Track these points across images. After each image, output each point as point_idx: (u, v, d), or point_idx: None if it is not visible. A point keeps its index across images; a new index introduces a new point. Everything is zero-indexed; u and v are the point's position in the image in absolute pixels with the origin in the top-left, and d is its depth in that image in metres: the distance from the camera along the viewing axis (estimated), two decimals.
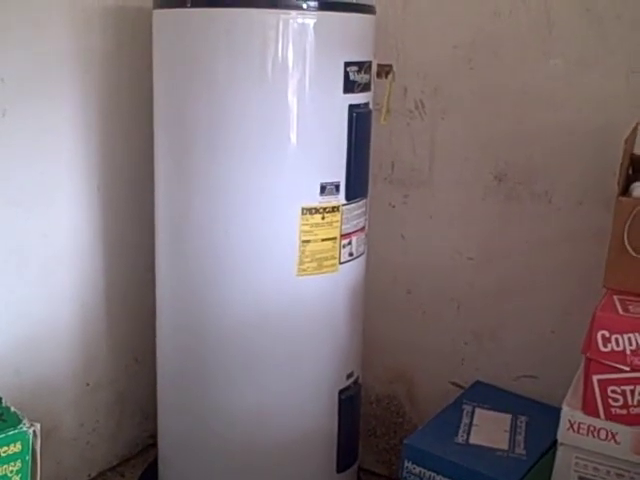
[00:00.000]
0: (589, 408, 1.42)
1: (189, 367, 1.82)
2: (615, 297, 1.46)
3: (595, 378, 1.40)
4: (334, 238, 1.71)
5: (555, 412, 1.47)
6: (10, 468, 1.17)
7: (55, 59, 1.81)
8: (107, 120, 1.97)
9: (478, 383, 2.01)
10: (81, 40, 1.85)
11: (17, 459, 1.18)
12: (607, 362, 1.38)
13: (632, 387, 1.37)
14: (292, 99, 1.61)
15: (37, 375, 1.94)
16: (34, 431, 1.19)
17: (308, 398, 1.81)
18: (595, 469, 1.43)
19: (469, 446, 1.71)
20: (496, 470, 1.62)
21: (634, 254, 1.42)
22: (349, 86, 1.65)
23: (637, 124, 1.59)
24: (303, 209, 1.66)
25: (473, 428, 1.78)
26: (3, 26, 1.69)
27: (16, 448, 1.17)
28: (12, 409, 1.24)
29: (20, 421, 1.20)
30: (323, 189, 1.67)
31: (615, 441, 1.40)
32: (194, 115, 1.65)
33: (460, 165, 1.96)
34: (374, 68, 1.74)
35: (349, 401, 1.87)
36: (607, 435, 1.41)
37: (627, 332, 1.36)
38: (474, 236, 1.99)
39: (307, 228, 1.67)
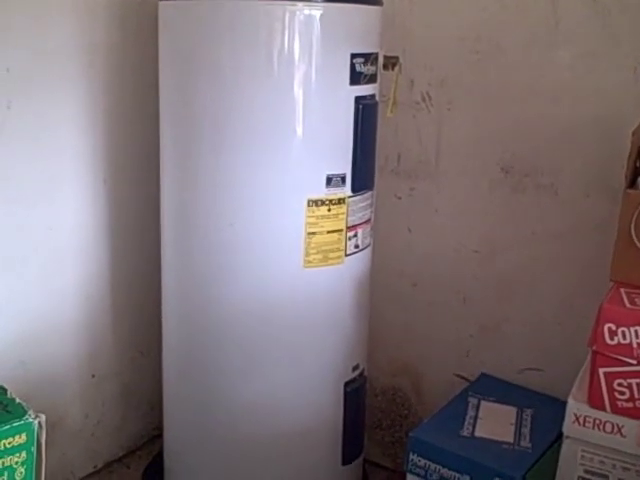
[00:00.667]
0: (595, 401, 1.41)
1: (194, 359, 1.82)
2: (622, 290, 1.45)
3: (601, 371, 1.39)
4: (340, 230, 1.71)
5: (561, 405, 1.47)
6: (15, 459, 1.17)
7: (59, 52, 1.81)
8: (113, 113, 1.97)
9: (483, 376, 2.01)
10: (85, 33, 1.85)
11: (22, 450, 1.17)
12: (613, 355, 1.37)
13: (638, 380, 1.37)
14: (298, 91, 1.61)
15: (42, 367, 1.94)
16: (39, 422, 1.19)
17: (313, 390, 1.81)
18: (601, 462, 1.42)
19: (474, 439, 1.71)
20: (501, 463, 1.62)
21: None
22: (355, 78, 1.64)
23: None
24: (309, 201, 1.65)
25: (478, 421, 1.78)
26: (7, 18, 1.68)
27: (21, 439, 1.17)
28: (17, 400, 1.24)
29: (25, 412, 1.20)
30: (329, 181, 1.66)
31: (621, 434, 1.40)
32: (200, 108, 1.65)
33: (466, 157, 1.96)
34: (380, 60, 1.73)
35: (354, 393, 1.87)
36: (613, 428, 1.40)
37: (634, 325, 1.35)
38: (480, 228, 1.98)
39: (313, 220, 1.67)
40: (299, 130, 1.62)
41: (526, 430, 1.75)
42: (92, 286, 2.04)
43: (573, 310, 1.86)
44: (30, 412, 1.19)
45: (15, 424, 1.17)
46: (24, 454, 1.18)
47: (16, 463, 1.17)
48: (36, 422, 1.18)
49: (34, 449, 1.19)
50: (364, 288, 1.86)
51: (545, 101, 1.82)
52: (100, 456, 2.19)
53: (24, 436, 1.17)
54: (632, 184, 1.48)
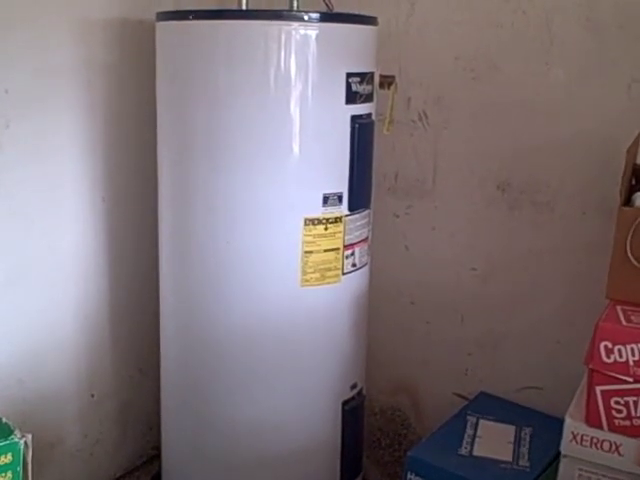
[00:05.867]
0: (592, 420, 1.41)
1: (193, 378, 1.82)
2: (618, 307, 1.45)
3: (598, 389, 1.39)
4: (337, 249, 1.71)
5: (559, 423, 1.46)
6: (1, 479, 1.16)
7: (58, 72, 1.82)
8: (111, 131, 1.98)
9: (482, 394, 2.01)
10: (84, 53, 1.86)
11: (8, 470, 1.16)
12: (610, 373, 1.37)
13: (635, 398, 1.36)
14: (294, 110, 1.61)
15: (41, 386, 1.94)
16: (25, 442, 1.18)
17: (311, 409, 1.80)
18: None
19: (473, 458, 1.70)
20: None
21: (637, 264, 1.42)
22: (351, 97, 1.65)
23: (639, 134, 1.59)
24: (306, 220, 1.66)
25: (477, 440, 1.77)
26: (7, 38, 1.69)
27: (7, 459, 1.16)
28: (3, 420, 1.22)
29: (11, 432, 1.18)
30: (326, 200, 1.67)
31: (618, 453, 1.39)
32: (196, 127, 1.66)
33: (463, 175, 1.96)
34: (376, 79, 1.74)
35: (353, 412, 1.86)
36: (610, 447, 1.40)
37: (630, 343, 1.35)
38: (477, 247, 1.99)
39: (310, 239, 1.67)
40: (295, 149, 1.63)
41: (525, 449, 1.75)
42: (91, 304, 2.04)
43: (572, 328, 1.86)
44: (16, 432, 1.18)
45: (1, 444, 1.16)
46: (10, 474, 1.17)
47: None
48: (22, 442, 1.17)
49: (20, 469, 1.17)
50: (362, 306, 1.86)
51: (540, 119, 1.83)
52: (98, 476, 2.17)
53: (10, 456, 1.16)
54: (627, 201, 1.48)
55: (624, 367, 1.36)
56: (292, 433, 1.80)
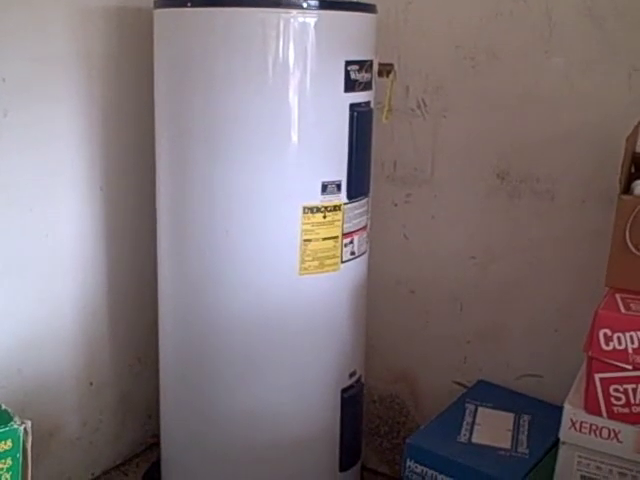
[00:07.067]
0: (591, 407, 1.41)
1: (191, 366, 1.82)
2: (617, 295, 1.45)
3: (597, 377, 1.40)
4: (336, 237, 1.71)
5: (558, 411, 1.47)
6: (0, 466, 1.16)
7: (56, 60, 1.81)
8: (109, 120, 1.98)
9: (481, 382, 2.01)
10: (82, 41, 1.85)
11: (7, 457, 1.16)
12: (609, 361, 1.38)
13: (634, 386, 1.37)
14: (293, 98, 1.61)
15: (40, 375, 1.94)
16: (25, 428, 1.17)
17: (311, 397, 1.81)
18: (597, 468, 1.43)
19: (471, 445, 1.71)
20: (498, 469, 1.62)
21: (636, 252, 1.42)
22: (350, 85, 1.64)
23: (639, 122, 1.58)
24: (304, 208, 1.65)
25: (476, 427, 1.78)
26: (4, 27, 1.69)
27: (6, 445, 1.15)
28: (2, 407, 1.22)
29: (11, 419, 1.18)
30: (324, 188, 1.67)
31: (617, 440, 1.40)
32: (194, 115, 1.65)
33: (462, 164, 1.96)
34: (375, 67, 1.74)
35: (352, 400, 1.87)
36: (609, 434, 1.40)
37: (629, 330, 1.35)
38: (477, 235, 1.98)
39: (308, 227, 1.67)
40: (294, 137, 1.63)
41: (523, 436, 1.75)
42: (89, 294, 2.04)
43: (570, 316, 1.86)
44: (16, 418, 1.18)
45: (0, 430, 1.16)
46: (9, 461, 1.16)
47: (1, 469, 1.15)
48: (22, 428, 1.17)
49: (20, 455, 1.17)
50: (360, 295, 1.86)
51: (540, 108, 1.82)
52: (98, 464, 2.18)
53: (9, 442, 1.16)
54: (626, 189, 1.48)
55: (623, 355, 1.36)
56: (291, 421, 1.80)
